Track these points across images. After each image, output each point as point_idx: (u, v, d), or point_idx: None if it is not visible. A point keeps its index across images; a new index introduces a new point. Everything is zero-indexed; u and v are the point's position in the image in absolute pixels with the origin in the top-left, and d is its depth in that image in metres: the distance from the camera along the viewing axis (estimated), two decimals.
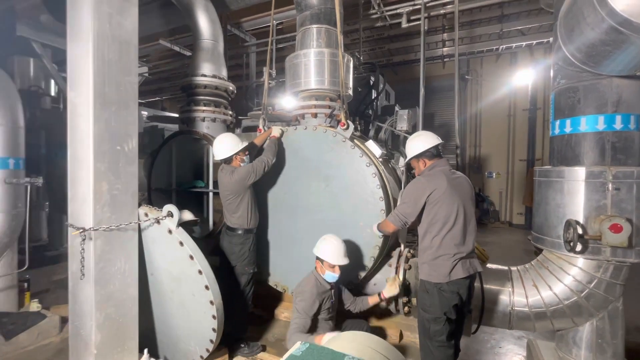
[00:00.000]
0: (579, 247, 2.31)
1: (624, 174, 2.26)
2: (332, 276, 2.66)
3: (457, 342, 2.40)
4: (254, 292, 3.15)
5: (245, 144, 3.05)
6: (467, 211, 2.26)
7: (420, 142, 2.40)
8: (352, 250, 3.06)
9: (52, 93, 6.13)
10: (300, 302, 2.63)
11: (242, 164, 3.00)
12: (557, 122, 2.63)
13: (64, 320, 3.37)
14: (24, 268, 3.17)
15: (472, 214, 2.30)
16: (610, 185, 2.29)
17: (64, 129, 2.27)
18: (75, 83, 2.22)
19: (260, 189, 3.34)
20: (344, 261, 2.63)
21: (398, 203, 2.45)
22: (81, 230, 2.12)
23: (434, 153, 2.38)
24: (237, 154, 2.97)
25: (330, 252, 2.62)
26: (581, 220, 2.37)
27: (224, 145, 2.97)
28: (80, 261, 2.16)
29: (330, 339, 1.42)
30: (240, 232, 2.98)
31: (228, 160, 3.00)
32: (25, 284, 3.66)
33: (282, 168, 3.36)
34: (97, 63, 2.14)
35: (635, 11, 1.62)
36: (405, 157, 2.54)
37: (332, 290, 2.77)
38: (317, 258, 2.70)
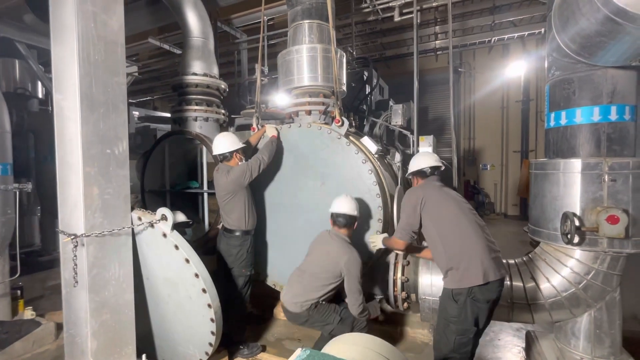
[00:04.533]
0: (576, 239, 2.31)
1: (619, 165, 2.26)
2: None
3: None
4: (251, 293, 3.11)
5: (244, 145, 3.07)
6: (468, 212, 2.30)
7: (420, 161, 2.55)
8: None
9: (40, 95, 5.99)
10: (361, 275, 2.55)
11: (240, 163, 2.99)
12: (552, 114, 2.61)
13: (60, 327, 3.31)
14: (16, 276, 3.10)
15: (475, 215, 2.33)
16: (606, 177, 2.28)
17: (52, 132, 2.20)
18: (61, 85, 2.15)
19: (256, 189, 3.29)
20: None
21: (399, 219, 2.47)
22: (72, 236, 2.06)
23: (430, 173, 2.50)
24: (236, 151, 2.97)
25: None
26: (578, 212, 2.37)
27: (224, 144, 2.96)
28: (73, 268, 2.11)
29: (331, 342, 1.40)
30: (238, 233, 2.95)
31: (227, 159, 2.97)
32: (19, 292, 3.59)
33: (278, 167, 3.32)
34: (83, 64, 2.06)
35: (631, 0, 1.60)
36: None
37: None
38: (344, 224, 2.63)
